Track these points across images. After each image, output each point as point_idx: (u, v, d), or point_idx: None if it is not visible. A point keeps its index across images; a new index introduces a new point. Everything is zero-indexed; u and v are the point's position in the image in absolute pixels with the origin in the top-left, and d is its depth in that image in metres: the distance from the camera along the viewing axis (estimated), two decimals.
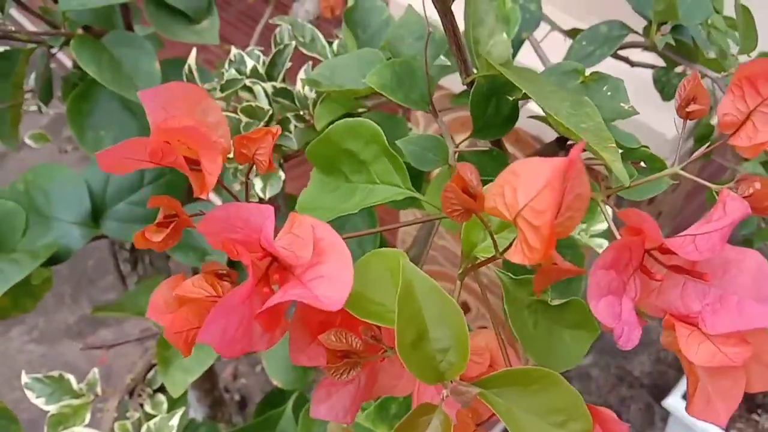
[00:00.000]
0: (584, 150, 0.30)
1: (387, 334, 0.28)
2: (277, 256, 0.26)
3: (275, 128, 0.30)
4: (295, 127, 0.53)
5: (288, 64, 0.55)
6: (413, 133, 0.44)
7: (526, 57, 0.63)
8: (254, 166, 0.30)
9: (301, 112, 0.52)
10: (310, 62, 0.56)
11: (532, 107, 0.44)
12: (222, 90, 0.53)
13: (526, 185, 0.21)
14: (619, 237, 0.27)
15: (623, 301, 0.25)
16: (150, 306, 0.29)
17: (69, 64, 0.82)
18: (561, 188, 0.20)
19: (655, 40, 0.58)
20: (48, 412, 0.59)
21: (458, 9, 0.38)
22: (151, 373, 0.66)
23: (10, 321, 1.82)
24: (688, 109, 0.30)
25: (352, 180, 0.35)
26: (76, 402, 0.60)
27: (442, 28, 0.38)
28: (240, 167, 0.52)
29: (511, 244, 0.23)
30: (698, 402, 0.26)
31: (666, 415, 1.45)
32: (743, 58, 0.60)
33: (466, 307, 1.31)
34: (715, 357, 0.25)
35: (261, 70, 0.54)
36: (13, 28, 0.61)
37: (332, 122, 0.36)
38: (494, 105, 0.40)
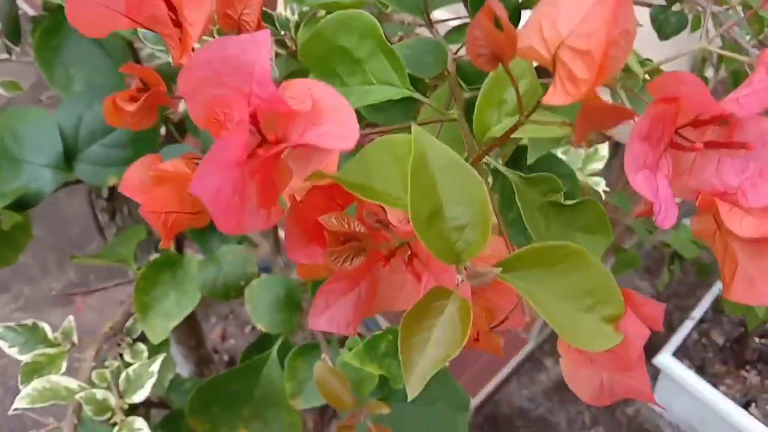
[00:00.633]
0: None
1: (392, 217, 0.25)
2: (275, 102, 0.22)
3: None
4: (277, 54, 0.50)
5: None
6: None
7: None
8: None
9: (283, 34, 0.49)
10: None
11: None
12: None
13: (568, 12, 0.19)
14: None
15: (658, 177, 0.23)
16: (123, 182, 0.26)
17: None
18: (612, 3, 0.18)
19: None
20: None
21: None
22: (130, 321, 0.63)
23: None
24: None
25: (348, 83, 0.32)
26: (51, 351, 0.58)
27: None
28: None
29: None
30: (739, 285, 0.25)
31: (656, 372, 1.45)
32: None
33: None
34: (761, 228, 0.23)
35: None
36: None
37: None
38: None
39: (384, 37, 0.31)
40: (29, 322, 0.59)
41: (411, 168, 0.22)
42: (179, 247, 0.69)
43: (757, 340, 1.55)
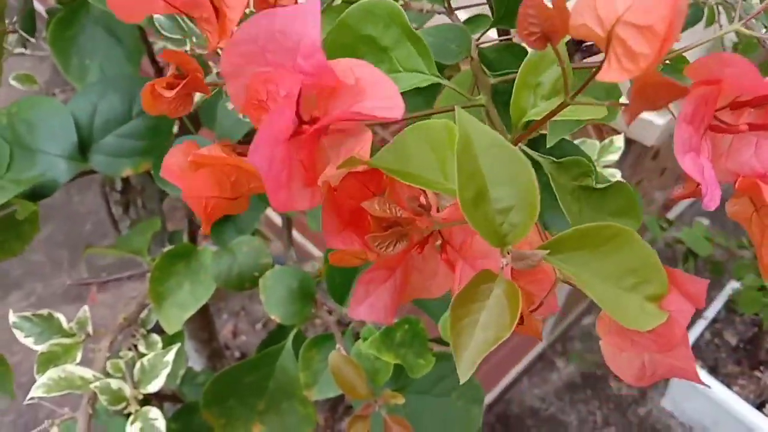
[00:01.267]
0: None
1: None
2: (324, 73, 0.22)
3: None
4: None
5: None
6: None
7: None
8: None
9: None
10: None
11: None
12: None
13: None
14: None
15: (702, 159, 0.23)
16: (163, 168, 0.26)
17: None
18: None
19: None
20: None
21: None
22: (145, 312, 0.63)
23: (8, 286, 1.81)
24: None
25: None
26: (66, 341, 0.58)
27: None
28: None
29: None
30: None
31: None
32: None
33: None
34: None
35: None
36: None
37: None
38: None
39: (409, 24, 0.30)
40: (44, 312, 0.59)
41: (457, 150, 0.22)
42: (193, 238, 0.68)
43: None
